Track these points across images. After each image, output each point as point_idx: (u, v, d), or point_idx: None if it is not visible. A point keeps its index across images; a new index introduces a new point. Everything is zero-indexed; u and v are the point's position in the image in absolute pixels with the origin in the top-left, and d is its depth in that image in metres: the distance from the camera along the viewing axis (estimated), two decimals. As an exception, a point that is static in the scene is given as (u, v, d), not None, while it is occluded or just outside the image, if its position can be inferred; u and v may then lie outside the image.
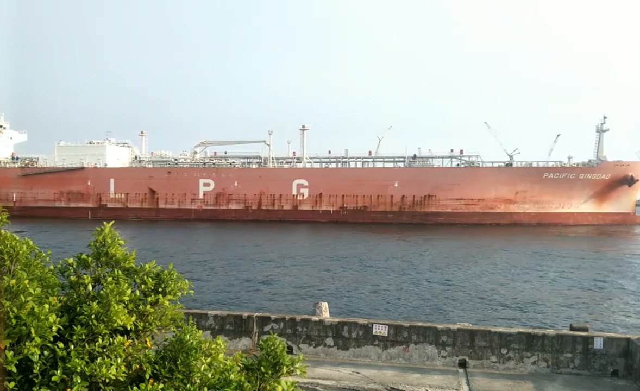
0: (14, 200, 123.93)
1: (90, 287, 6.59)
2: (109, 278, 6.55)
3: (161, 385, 5.74)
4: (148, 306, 6.68)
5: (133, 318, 6.35)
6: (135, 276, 7.10)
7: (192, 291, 7.27)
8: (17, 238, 6.70)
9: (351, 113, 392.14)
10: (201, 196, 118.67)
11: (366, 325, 20.90)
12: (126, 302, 6.41)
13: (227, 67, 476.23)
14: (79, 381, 5.44)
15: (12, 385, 5.20)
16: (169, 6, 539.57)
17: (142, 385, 5.62)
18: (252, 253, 64.16)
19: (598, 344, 19.24)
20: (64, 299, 6.49)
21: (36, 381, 5.47)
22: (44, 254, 7.08)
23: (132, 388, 5.62)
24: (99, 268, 7.02)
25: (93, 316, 5.98)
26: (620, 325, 33.51)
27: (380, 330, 20.62)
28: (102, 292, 6.29)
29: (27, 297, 5.66)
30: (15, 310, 5.53)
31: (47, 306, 5.64)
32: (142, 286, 6.92)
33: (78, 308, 6.18)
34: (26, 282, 5.86)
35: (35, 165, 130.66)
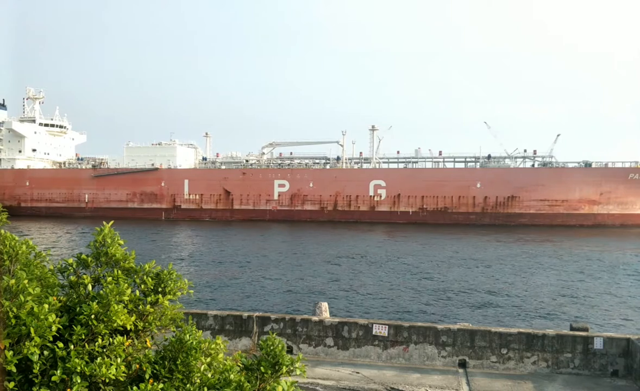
0: (87, 201, 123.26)
1: (90, 287, 6.59)
2: (109, 278, 6.55)
3: (161, 385, 5.74)
4: (148, 306, 6.67)
5: (133, 318, 6.34)
6: (135, 276, 7.10)
7: (191, 291, 7.27)
8: (17, 238, 6.70)
9: (344, 112, 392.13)
10: (276, 197, 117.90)
11: (366, 325, 20.91)
12: (126, 302, 6.40)
13: (285, 69, 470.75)
14: (79, 381, 5.44)
15: (12, 385, 5.20)
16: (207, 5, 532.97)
17: (142, 385, 5.62)
18: (339, 254, 62.81)
19: (598, 344, 19.24)
20: (64, 299, 6.49)
21: (36, 381, 5.47)
22: (43, 254, 7.08)
23: (132, 388, 5.62)
24: (99, 268, 7.02)
25: (93, 316, 5.98)
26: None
27: (380, 330, 20.62)
28: (102, 291, 6.28)
29: (26, 297, 5.66)
30: (14, 309, 5.53)
31: (46, 306, 5.64)
32: (142, 286, 6.92)
33: (78, 308, 6.18)
34: (26, 281, 5.86)
35: (105, 167, 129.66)
